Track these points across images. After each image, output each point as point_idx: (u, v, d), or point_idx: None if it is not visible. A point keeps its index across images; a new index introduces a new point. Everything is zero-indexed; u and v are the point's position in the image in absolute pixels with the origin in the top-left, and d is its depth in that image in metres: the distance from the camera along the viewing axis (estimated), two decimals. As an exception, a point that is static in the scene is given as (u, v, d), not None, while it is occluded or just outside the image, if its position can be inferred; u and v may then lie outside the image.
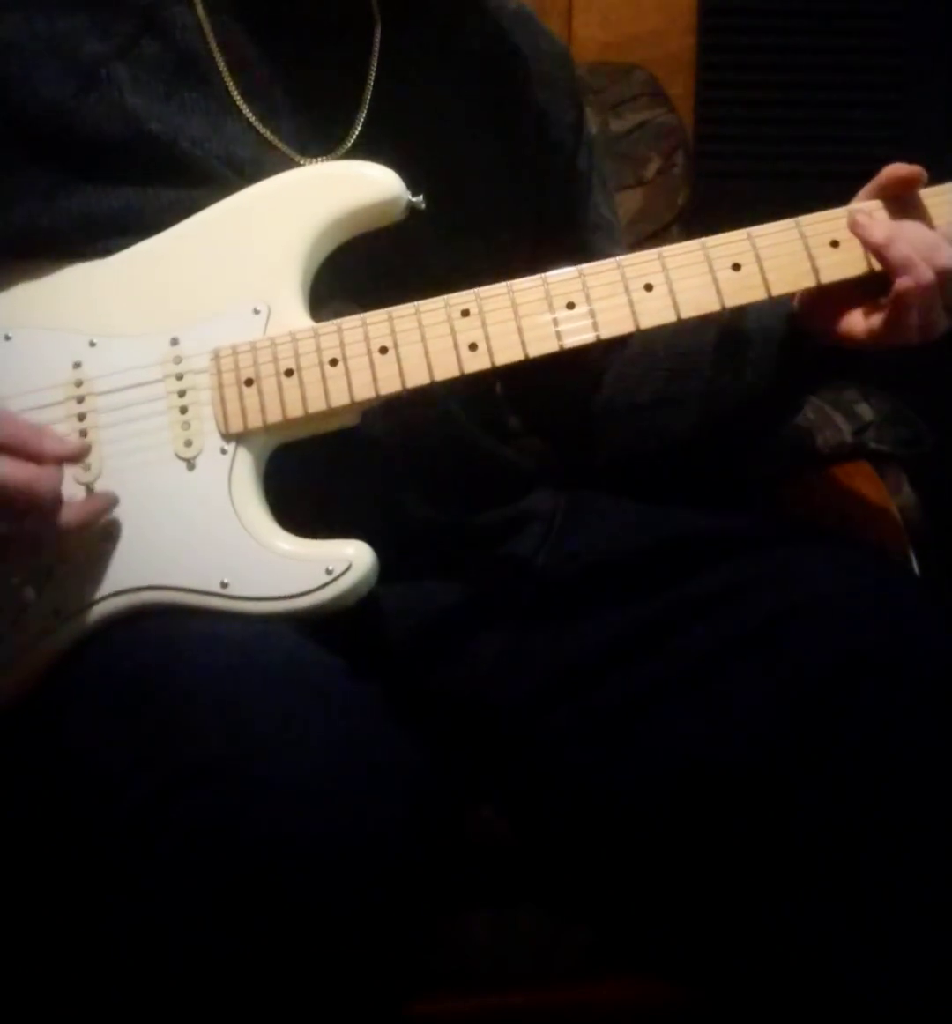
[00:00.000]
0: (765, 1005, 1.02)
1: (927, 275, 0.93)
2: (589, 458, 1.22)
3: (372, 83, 1.07)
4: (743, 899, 1.00)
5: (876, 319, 0.96)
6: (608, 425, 1.20)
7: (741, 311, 1.05)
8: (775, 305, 1.02)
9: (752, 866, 0.98)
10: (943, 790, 0.94)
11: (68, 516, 0.91)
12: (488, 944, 1.18)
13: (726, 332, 1.08)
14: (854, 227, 0.95)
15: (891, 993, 0.94)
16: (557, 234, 1.15)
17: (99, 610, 0.93)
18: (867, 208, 0.97)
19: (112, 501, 0.93)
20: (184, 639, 0.89)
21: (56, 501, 0.90)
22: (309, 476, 0.98)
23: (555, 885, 1.16)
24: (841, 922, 0.95)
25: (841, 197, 0.98)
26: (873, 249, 0.94)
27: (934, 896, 0.94)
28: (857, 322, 0.98)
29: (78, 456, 0.93)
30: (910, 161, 0.98)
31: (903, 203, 0.97)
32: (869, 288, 0.97)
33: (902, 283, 0.93)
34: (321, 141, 1.04)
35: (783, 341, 1.05)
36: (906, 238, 0.94)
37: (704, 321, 1.06)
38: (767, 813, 0.97)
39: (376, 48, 1.08)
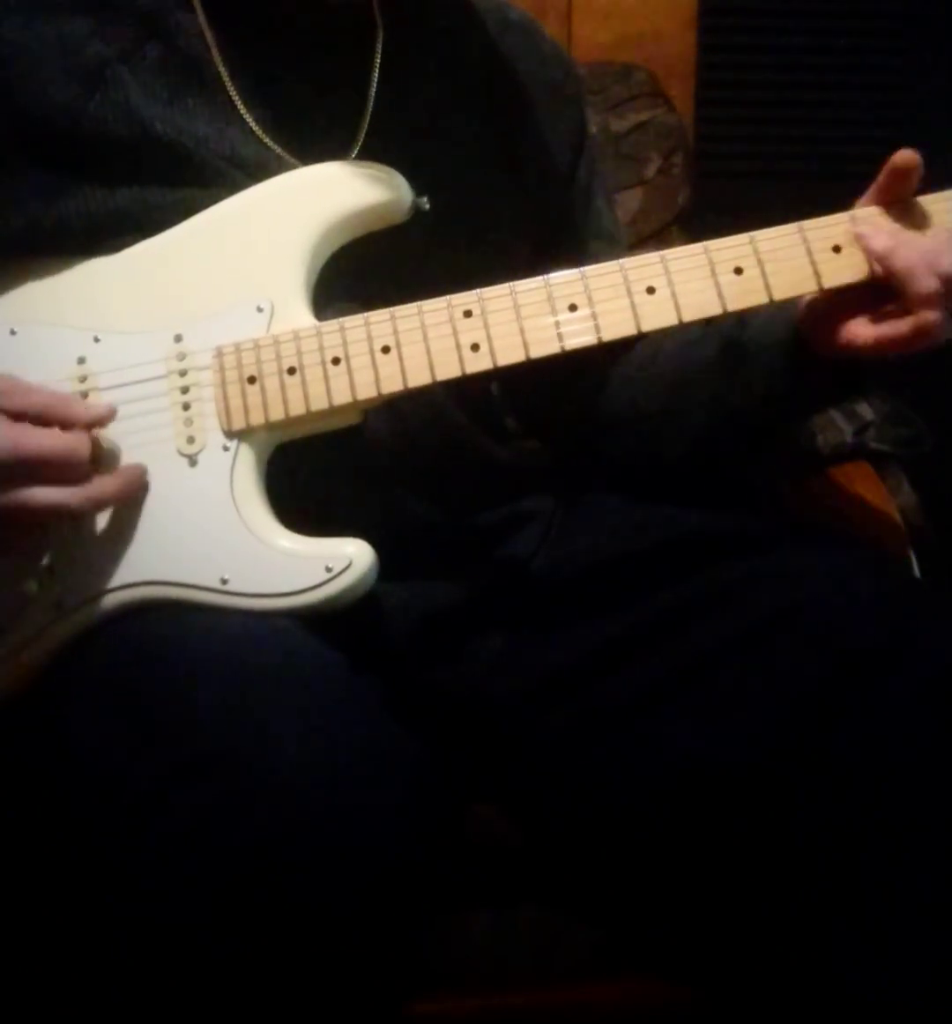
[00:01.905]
0: (765, 1005, 1.02)
1: (931, 283, 0.93)
2: (590, 461, 1.22)
3: (374, 90, 1.07)
4: (743, 899, 1.00)
5: (884, 328, 0.96)
6: (612, 431, 1.20)
7: (744, 321, 1.05)
8: (779, 315, 1.02)
9: (752, 866, 0.98)
10: (943, 790, 0.94)
11: (109, 488, 0.92)
12: (488, 944, 1.18)
13: (728, 343, 1.08)
14: (858, 238, 0.95)
15: (891, 993, 0.93)
16: (557, 240, 1.15)
17: (100, 604, 0.93)
18: (866, 214, 0.97)
19: (144, 474, 0.94)
20: (184, 634, 0.89)
21: (89, 467, 0.91)
22: (309, 474, 0.99)
23: (555, 885, 1.16)
24: (841, 922, 0.95)
25: (841, 197, 0.98)
26: (877, 258, 0.94)
27: (934, 896, 0.94)
28: (861, 331, 0.97)
29: (107, 419, 0.94)
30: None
31: (903, 209, 0.96)
32: (870, 297, 0.96)
33: (909, 291, 0.93)
34: (323, 148, 1.04)
35: (789, 353, 1.04)
36: (908, 246, 0.93)
37: (710, 330, 1.06)
38: (767, 813, 0.97)
39: (378, 55, 1.08)
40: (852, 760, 0.95)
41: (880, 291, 0.96)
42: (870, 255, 0.95)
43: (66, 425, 0.91)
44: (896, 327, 0.95)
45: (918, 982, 0.93)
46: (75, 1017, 1.03)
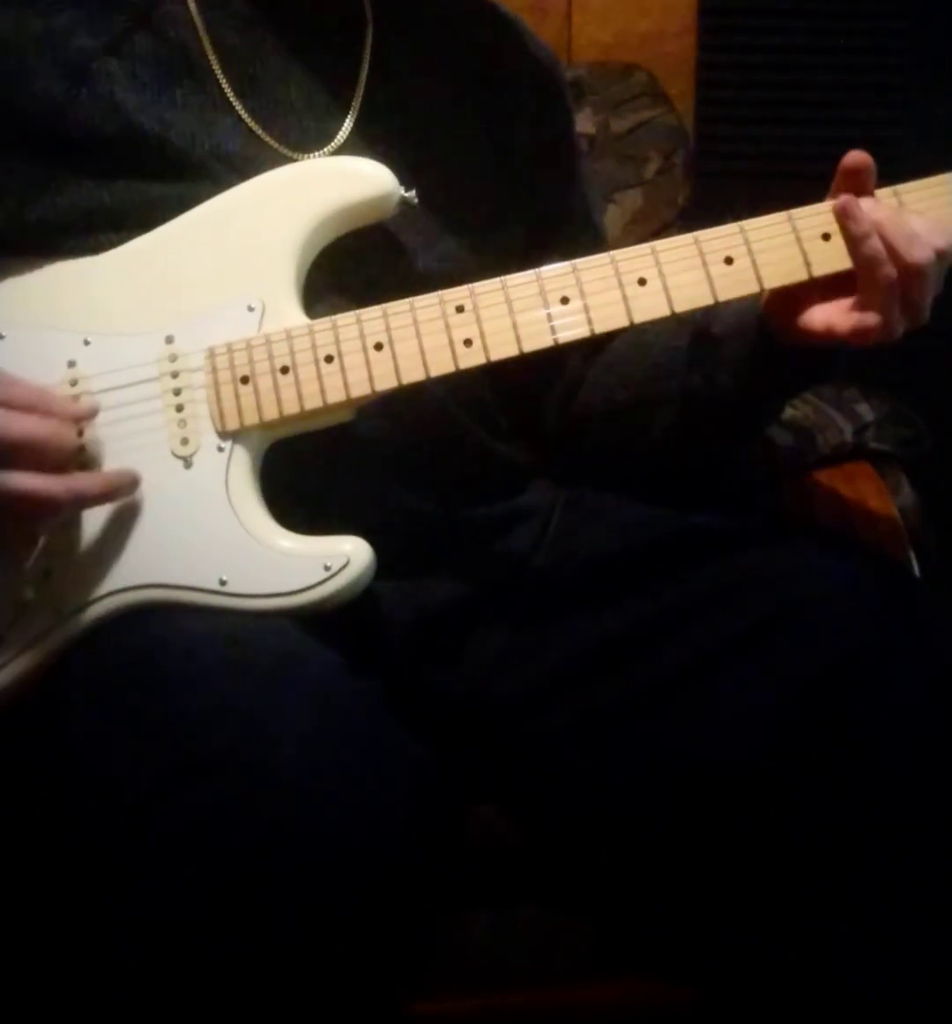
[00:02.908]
0: (765, 1005, 1.02)
1: (890, 274, 0.92)
2: (574, 459, 1.22)
3: (363, 82, 1.07)
4: (743, 899, 1.00)
5: (841, 317, 0.96)
6: (587, 428, 1.20)
7: (713, 313, 1.05)
8: (745, 306, 1.02)
9: (752, 866, 0.98)
10: (943, 790, 0.94)
11: (92, 483, 0.91)
12: (488, 944, 1.18)
13: (698, 334, 1.08)
14: (843, 215, 0.94)
15: (891, 993, 0.94)
16: (546, 235, 1.15)
17: (98, 609, 0.93)
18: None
19: (134, 482, 0.93)
20: (183, 636, 0.89)
21: (72, 456, 0.90)
22: (305, 472, 0.98)
23: (555, 885, 1.16)
24: (841, 922, 0.95)
25: (840, 197, 0.98)
26: (852, 239, 0.94)
27: (934, 896, 0.94)
28: (820, 318, 0.97)
29: (89, 414, 0.93)
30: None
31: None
32: (834, 285, 0.96)
33: (865, 281, 0.93)
34: (312, 139, 1.05)
35: (755, 343, 1.04)
36: (884, 233, 0.93)
37: (680, 324, 1.06)
38: (767, 813, 0.97)
39: (368, 47, 1.08)
40: (852, 760, 0.95)
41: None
42: (848, 235, 0.94)
43: (51, 418, 0.90)
44: (844, 320, 0.95)
45: (918, 982, 0.94)
46: (75, 1017, 1.03)
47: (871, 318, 0.94)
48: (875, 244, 0.93)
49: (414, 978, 1.01)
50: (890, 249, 0.93)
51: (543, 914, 1.18)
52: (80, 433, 0.95)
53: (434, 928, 1.10)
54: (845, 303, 0.96)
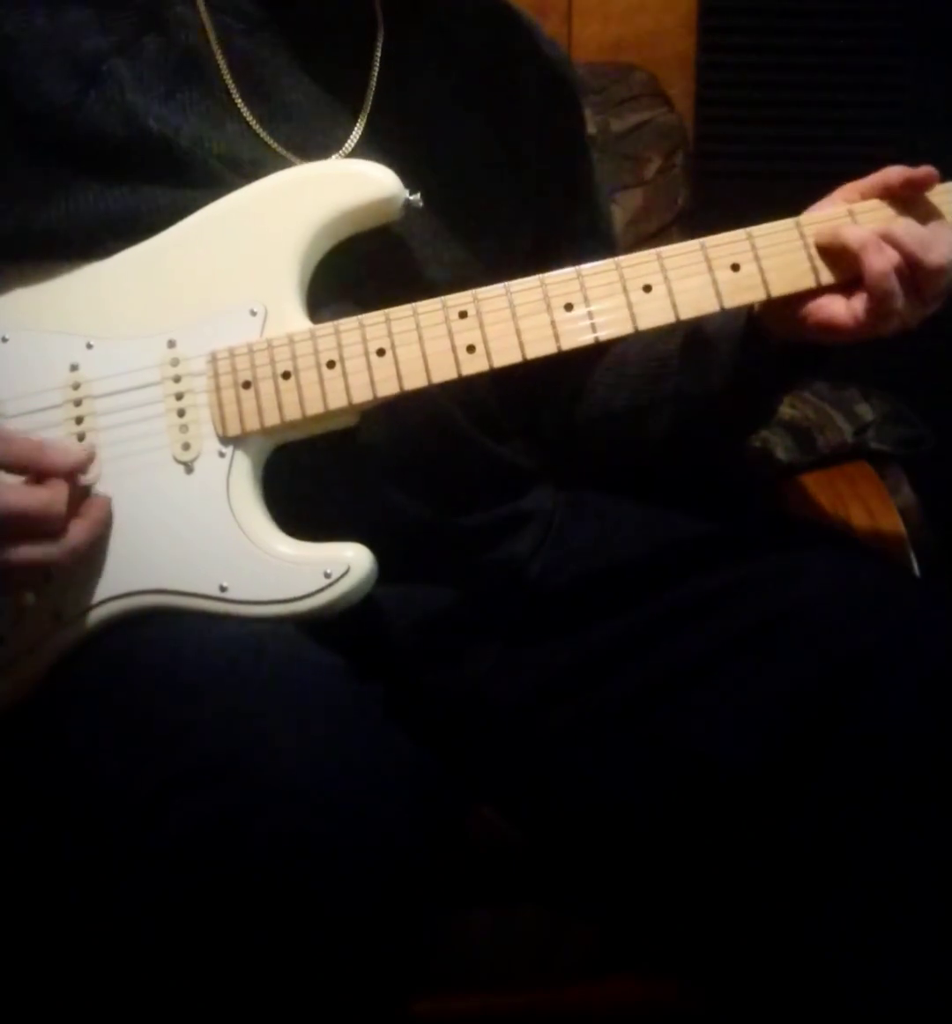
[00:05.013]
0: (765, 1005, 1.02)
1: (899, 306, 0.92)
2: (577, 464, 1.22)
3: (373, 87, 1.07)
4: (743, 899, 1.00)
5: (858, 307, 0.94)
6: (587, 434, 1.20)
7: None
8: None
9: (752, 866, 0.99)
10: (943, 790, 0.94)
11: (80, 534, 0.90)
12: (488, 944, 1.18)
13: (690, 336, 1.08)
14: (862, 254, 0.93)
15: (891, 994, 0.94)
16: (554, 238, 1.15)
17: (99, 613, 0.93)
18: (864, 208, 0.96)
19: (106, 501, 0.92)
20: (184, 641, 0.89)
21: (65, 521, 0.89)
22: (305, 477, 0.98)
23: (556, 884, 1.16)
24: (841, 922, 0.95)
25: (840, 197, 0.98)
26: (869, 275, 0.93)
27: (934, 897, 0.94)
28: (839, 311, 0.96)
29: (84, 465, 0.92)
30: (911, 160, 0.97)
31: (906, 201, 0.96)
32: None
33: (875, 308, 0.93)
34: (321, 145, 1.04)
35: (743, 341, 1.04)
36: (899, 244, 0.92)
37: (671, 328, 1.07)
38: (767, 813, 0.97)
39: (378, 52, 1.08)
40: (852, 760, 0.95)
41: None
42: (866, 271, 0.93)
43: (44, 474, 0.89)
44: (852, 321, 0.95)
45: (918, 983, 0.94)
46: (76, 1018, 1.03)
47: (880, 325, 0.94)
48: (889, 284, 0.92)
49: (415, 978, 1.01)
50: (907, 258, 0.92)
51: (543, 914, 1.18)
52: (82, 436, 0.95)
53: (435, 928, 1.11)
54: (849, 304, 0.95)
